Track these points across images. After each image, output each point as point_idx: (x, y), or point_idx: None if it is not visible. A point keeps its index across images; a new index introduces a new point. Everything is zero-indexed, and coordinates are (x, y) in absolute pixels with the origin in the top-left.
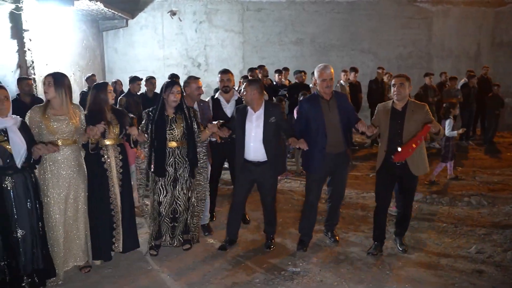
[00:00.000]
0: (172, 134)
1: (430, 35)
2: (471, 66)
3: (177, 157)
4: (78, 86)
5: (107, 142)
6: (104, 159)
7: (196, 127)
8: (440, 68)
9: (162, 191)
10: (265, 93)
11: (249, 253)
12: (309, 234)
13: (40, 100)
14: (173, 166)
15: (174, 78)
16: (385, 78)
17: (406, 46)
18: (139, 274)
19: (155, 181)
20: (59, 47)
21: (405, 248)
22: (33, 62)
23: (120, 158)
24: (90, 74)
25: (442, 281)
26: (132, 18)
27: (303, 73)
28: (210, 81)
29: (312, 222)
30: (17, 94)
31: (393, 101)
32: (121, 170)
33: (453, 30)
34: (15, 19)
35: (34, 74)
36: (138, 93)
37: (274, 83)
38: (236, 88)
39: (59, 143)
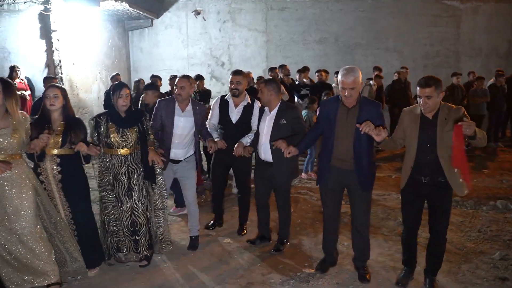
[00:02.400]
0: (125, 140)
1: (458, 33)
2: (501, 65)
3: (131, 164)
4: (104, 85)
5: (47, 151)
6: (41, 169)
7: (146, 128)
8: (469, 67)
9: (117, 203)
10: (286, 92)
11: (265, 254)
12: (330, 253)
13: None
14: (127, 175)
15: (199, 79)
16: (395, 77)
17: (433, 44)
18: (155, 272)
19: (108, 193)
20: (85, 46)
21: None
22: (60, 61)
23: (59, 170)
24: (114, 73)
25: (463, 287)
26: (157, 17)
27: (322, 72)
28: None
29: (332, 239)
30: (43, 93)
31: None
32: (61, 185)
33: (483, 28)
34: (44, 19)
35: (61, 73)
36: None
37: (297, 82)
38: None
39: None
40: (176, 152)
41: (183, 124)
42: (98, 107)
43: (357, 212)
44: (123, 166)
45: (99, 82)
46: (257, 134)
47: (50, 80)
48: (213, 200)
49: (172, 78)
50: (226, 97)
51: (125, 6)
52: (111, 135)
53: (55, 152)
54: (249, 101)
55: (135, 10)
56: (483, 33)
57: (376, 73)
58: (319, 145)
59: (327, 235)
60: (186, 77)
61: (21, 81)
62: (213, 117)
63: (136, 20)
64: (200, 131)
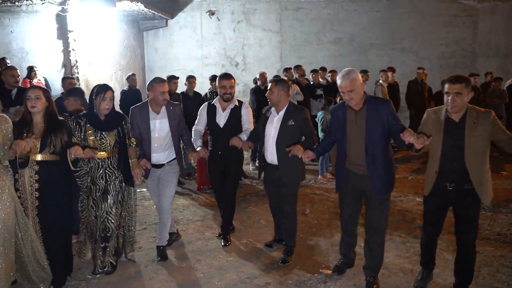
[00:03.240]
0: (102, 143)
1: (475, 33)
2: None
3: (108, 168)
4: (119, 85)
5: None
6: (18, 176)
7: (127, 136)
8: (485, 68)
9: (94, 207)
10: (301, 93)
11: (282, 254)
12: (347, 255)
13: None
14: (104, 179)
15: (214, 79)
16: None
17: (449, 45)
18: (173, 271)
19: (87, 198)
20: (101, 47)
21: None
22: (77, 61)
23: (36, 178)
24: (130, 74)
25: None
26: (172, 18)
27: (335, 73)
28: (247, 81)
29: (349, 243)
30: (61, 93)
31: (446, 109)
32: (37, 194)
33: (501, 28)
34: (61, 20)
35: (78, 73)
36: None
37: (311, 83)
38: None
39: None
40: (157, 156)
41: (159, 126)
42: (115, 106)
43: (372, 218)
44: (100, 169)
45: (115, 82)
46: (262, 137)
47: (69, 80)
48: (219, 207)
49: (189, 77)
50: (213, 102)
51: (140, 6)
52: (89, 138)
53: (34, 158)
54: (237, 104)
55: (150, 10)
56: (501, 33)
57: (383, 72)
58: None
59: (345, 239)
60: (165, 80)
61: (38, 81)
62: (199, 123)
63: (151, 20)
64: (181, 135)
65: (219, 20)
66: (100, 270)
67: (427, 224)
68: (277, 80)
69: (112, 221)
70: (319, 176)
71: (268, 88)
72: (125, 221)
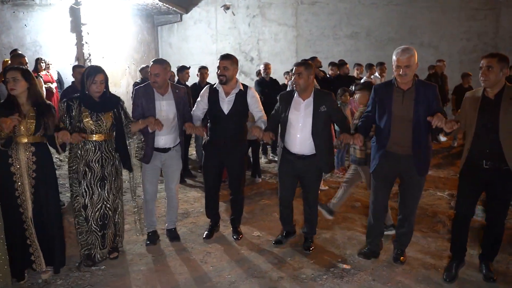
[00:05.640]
0: (99, 125)
1: (497, 27)
2: None
3: (105, 152)
4: (132, 79)
5: (19, 140)
6: (12, 160)
7: (124, 117)
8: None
9: (88, 192)
10: (317, 85)
11: (297, 248)
12: (374, 242)
13: None
14: (100, 163)
15: None
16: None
17: (470, 39)
18: (182, 264)
19: (79, 183)
20: (115, 40)
21: (493, 276)
22: (90, 55)
23: (34, 160)
24: (144, 65)
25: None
26: (186, 12)
27: (346, 65)
28: None
29: (376, 232)
30: (72, 82)
31: (484, 88)
32: (34, 175)
33: None
34: (75, 13)
35: None
36: (188, 83)
37: (328, 75)
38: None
39: None
40: (165, 139)
41: (166, 107)
42: (127, 101)
43: (409, 199)
44: (97, 153)
45: (128, 77)
46: (284, 126)
47: (77, 69)
48: (207, 205)
49: (201, 68)
50: (215, 86)
51: (154, 0)
52: (84, 120)
53: (27, 140)
54: (241, 88)
55: (164, 4)
56: None
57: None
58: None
59: (374, 224)
60: (159, 62)
61: (47, 73)
62: (198, 108)
63: (166, 15)
64: (184, 116)
65: (234, 15)
66: (100, 259)
67: (460, 203)
68: (306, 63)
69: (110, 208)
70: (335, 170)
71: (295, 72)
72: (118, 207)
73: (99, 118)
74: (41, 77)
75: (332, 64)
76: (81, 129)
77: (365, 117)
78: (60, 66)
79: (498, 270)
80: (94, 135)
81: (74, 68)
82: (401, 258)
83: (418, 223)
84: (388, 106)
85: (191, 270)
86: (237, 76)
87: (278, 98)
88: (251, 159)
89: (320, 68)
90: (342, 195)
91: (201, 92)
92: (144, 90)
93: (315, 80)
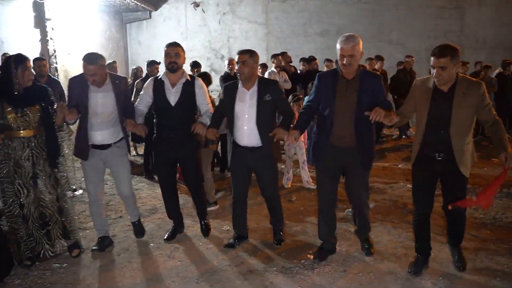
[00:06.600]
0: (25, 120)
1: (462, 25)
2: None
3: (35, 148)
4: None
5: None
6: None
7: (51, 109)
8: (473, 60)
9: (22, 191)
10: (289, 80)
11: (266, 241)
12: (327, 240)
13: (56, 82)
14: (30, 160)
15: (196, 66)
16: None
17: (437, 37)
18: (148, 259)
19: (11, 183)
20: (81, 37)
21: (462, 265)
22: (55, 51)
23: None
24: (111, 61)
25: (483, 274)
26: (156, 9)
27: (315, 60)
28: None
29: (329, 225)
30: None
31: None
32: None
33: (488, 20)
34: (38, 8)
35: (56, 63)
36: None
37: (299, 71)
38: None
39: None
40: (102, 134)
41: (102, 100)
42: None
43: (355, 192)
44: (26, 149)
45: None
46: (231, 118)
47: (36, 62)
48: (165, 206)
49: (151, 63)
50: (160, 77)
51: None
52: (8, 116)
53: None
54: (188, 78)
55: (133, 1)
56: (488, 26)
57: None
58: None
59: (324, 221)
60: (92, 61)
61: None
62: (142, 101)
63: (134, 12)
64: (126, 109)
65: (204, 12)
66: (52, 254)
67: (416, 199)
68: (250, 50)
69: (47, 207)
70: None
71: (239, 60)
72: (63, 206)
73: (24, 112)
74: None
75: (303, 60)
76: (7, 126)
77: (307, 107)
78: None
79: (498, 269)
80: (21, 131)
81: (34, 61)
82: (371, 249)
83: (389, 214)
84: (331, 96)
85: (158, 265)
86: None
87: (222, 90)
88: (220, 153)
89: (290, 64)
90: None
91: (145, 85)
92: (79, 80)
93: (285, 75)
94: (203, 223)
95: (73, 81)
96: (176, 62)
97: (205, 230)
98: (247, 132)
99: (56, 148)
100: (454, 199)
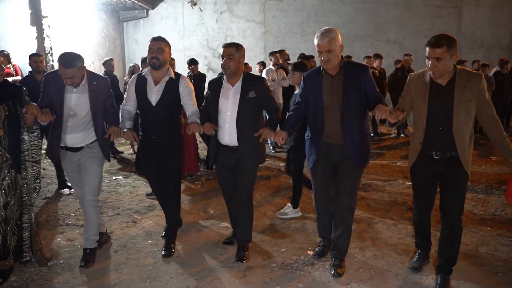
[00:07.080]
0: None
1: (459, 24)
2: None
3: None
4: None
5: None
6: None
7: (19, 108)
8: (470, 59)
9: None
10: (287, 78)
11: (266, 237)
12: (326, 237)
13: None
14: None
15: (193, 63)
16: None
17: None
18: (145, 256)
19: None
20: (78, 35)
21: None
22: (51, 49)
23: None
24: (108, 58)
25: (483, 270)
26: (153, 8)
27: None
28: None
29: (327, 223)
30: (29, 71)
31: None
32: None
33: (485, 20)
34: (35, 5)
35: (52, 61)
36: None
37: None
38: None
39: None
40: (72, 138)
41: (76, 102)
42: None
43: (341, 192)
44: None
45: None
46: (216, 115)
47: (33, 58)
48: (160, 203)
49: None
50: (143, 74)
51: None
52: None
53: None
54: (173, 76)
55: None
56: (485, 25)
57: (367, 59)
58: None
59: (322, 218)
60: (68, 65)
61: (9, 67)
62: (128, 101)
63: (131, 10)
64: (106, 111)
65: (201, 11)
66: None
67: (416, 198)
68: (236, 44)
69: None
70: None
71: (224, 54)
72: (13, 214)
73: None
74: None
75: (302, 57)
76: None
77: (295, 110)
78: (20, 60)
79: (498, 265)
80: None
81: (30, 56)
82: (339, 270)
83: (388, 211)
84: (318, 94)
85: (156, 262)
86: (206, 72)
87: (207, 86)
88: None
89: (288, 61)
90: None
91: (128, 84)
92: (54, 78)
93: (283, 73)
94: (168, 242)
95: (49, 78)
96: (158, 57)
97: (167, 251)
98: (228, 130)
99: (18, 151)
100: (454, 197)
